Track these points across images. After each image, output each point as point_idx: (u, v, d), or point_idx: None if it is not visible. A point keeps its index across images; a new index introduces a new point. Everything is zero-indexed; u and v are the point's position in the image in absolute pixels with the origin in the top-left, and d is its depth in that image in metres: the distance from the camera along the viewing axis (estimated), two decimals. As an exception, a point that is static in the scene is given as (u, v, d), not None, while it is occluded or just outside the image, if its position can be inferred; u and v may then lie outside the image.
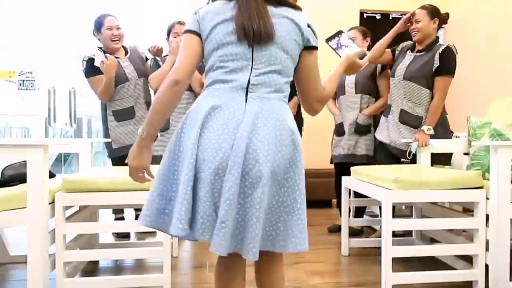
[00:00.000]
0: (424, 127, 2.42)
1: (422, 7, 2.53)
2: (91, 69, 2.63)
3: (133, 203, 2.08)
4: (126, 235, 2.85)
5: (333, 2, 4.45)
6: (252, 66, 1.11)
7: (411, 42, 2.63)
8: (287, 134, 1.10)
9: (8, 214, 1.63)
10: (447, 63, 2.39)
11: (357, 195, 2.71)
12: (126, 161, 1.19)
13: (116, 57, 2.69)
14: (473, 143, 2.05)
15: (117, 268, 2.26)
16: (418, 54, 2.52)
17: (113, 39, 2.67)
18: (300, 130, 3.12)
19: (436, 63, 2.39)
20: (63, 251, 1.77)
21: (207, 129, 1.07)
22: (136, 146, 1.16)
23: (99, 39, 2.74)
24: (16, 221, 1.64)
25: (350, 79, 2.85)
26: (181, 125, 1.14)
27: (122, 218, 2.92)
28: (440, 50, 2.41)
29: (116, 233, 2.86)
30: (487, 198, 1.86)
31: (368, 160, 2.82)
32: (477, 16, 4.08)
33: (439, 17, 2.51)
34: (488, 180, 1.91)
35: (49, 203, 1.73)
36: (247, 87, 1.10)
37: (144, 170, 1.19)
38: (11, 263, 2.32)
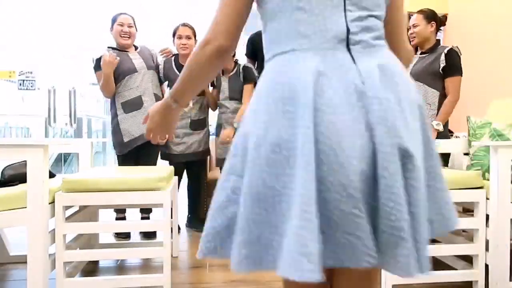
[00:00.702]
0: (434, 122, 2.46)
1: (419, 12, 2.56)
2: (96, 65, 2.72)
3: (133, 203, 2.08)
4: (126, 236, 2.85)
5: (333, 2, 4.44)
6: (345, 6, 0.78)
7: None
8: (414, 98, 0.80)
9: (8, 214, 1.63)
10: (454, 62, 2.44)
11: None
12: (143, 123, 1.00)
13: (125, 51, 2.75)
14: (473, 143, 2.05)
15: (117, 268, 2.26)
16: (422, 55, 2.57)
17: (122, 35, 2.72)
18: None
19: (442, 63, 2.44)
20: (63, 251, 1.76)
21: (321, 108, 0.71)
22: (163, 114, 0.94)
23: (113, 35, 2.81)
24: (16, 221, 1.64)
25: None
26: (253, 110, 0.80)
27: (124, 218, 2.92)
28: (445, 51, 2.46)
29: (116, 233, 2.86)
30: (487, 198, 1.86)
31: None
32: (477, 16, 4.08)
33: (436, 20, 2.54)
34: (488, 180, 1.91)
35: (49, 203, 1.73)
36: (347, 38, 0.77)
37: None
38: (11, 263, 2.32)
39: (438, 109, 2.51)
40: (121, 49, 2.77)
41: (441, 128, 2.45)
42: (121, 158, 2.82)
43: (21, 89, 4.78)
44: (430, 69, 2.48)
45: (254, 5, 0.85)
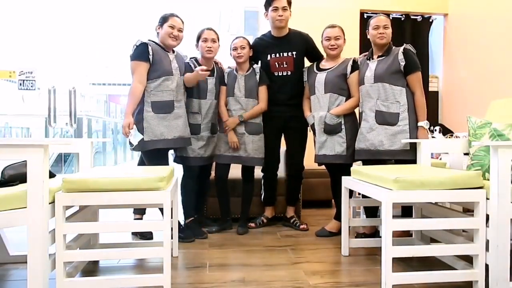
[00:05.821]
0: (422, 123, 2.57)
1: (387, 16, 2.75)
2: (135, 53, 2.62)
3: (133, 203, 2.08)
4: (149, 237, 2.82)
5: (333, 2, 4.45)
6: None
7: (364, 54, 2.86)
8: None
9: (8, 214, 1.63)
10: (412, 59, 2.59)
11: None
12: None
13: (166, 51, 2.73)
14: (473, 143, 2.05)
15: (117, 268, 2.26)
16: (380, 59, 2.67)
17: (171, 37, 2.70)
18: (306, 128, 3.11)
19: (402, 62, 2.57)
20: (63, 251, 1.77)
21: None
22: None
23: (157, 33, 2.75)
24: (16, 221, 1.64)
25: (320, 79, 2.86)
26: None
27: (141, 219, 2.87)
28: (401, 50, 2.60)
29: (138, 233, 2.84)
30: (487, 198, 1.86)
31: (342, 159, 2.82)
32: (477, 16, 4.08)
33: None
34: (488, 180, 1.91)
35: (49, 203, 1.73)
36: None
37: None
38: (11, 263, 2.32)
39: (408, 105, 2.59)
40: (164, 49, 2.73)
41: (428, 125, 2.59)
42: (144, 157, 2.76)
43: (21, 89, 4.78)
44: (392, 69, 2.59)
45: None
